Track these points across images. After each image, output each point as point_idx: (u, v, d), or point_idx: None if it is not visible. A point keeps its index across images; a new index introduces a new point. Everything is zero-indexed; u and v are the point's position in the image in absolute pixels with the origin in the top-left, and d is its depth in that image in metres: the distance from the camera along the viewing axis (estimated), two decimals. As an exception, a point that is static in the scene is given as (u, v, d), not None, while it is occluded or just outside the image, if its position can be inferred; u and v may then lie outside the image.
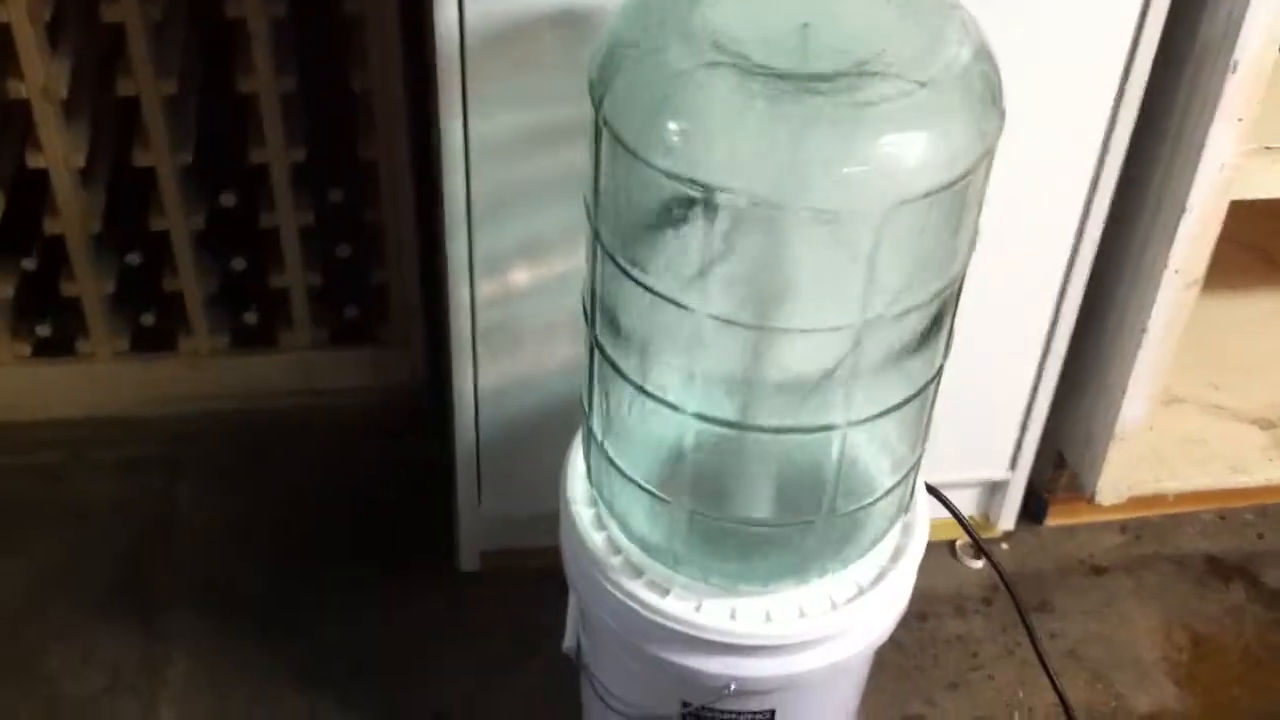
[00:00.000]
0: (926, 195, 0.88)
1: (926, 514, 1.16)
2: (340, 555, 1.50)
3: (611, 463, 1.06)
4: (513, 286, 1.24)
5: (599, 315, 1.01)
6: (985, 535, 1.57)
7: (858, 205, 0.87)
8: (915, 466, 1.09)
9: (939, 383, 1.04)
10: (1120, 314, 1.37)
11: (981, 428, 1.46)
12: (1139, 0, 1.16)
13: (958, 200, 0.92)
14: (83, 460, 1.58)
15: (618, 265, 0.95)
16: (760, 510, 1.06)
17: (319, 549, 1.51)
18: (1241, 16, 1.15)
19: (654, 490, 1.04)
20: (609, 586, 1.09)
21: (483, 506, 1.41)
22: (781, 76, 0.86)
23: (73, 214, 1.45)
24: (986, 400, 1.43)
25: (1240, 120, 1.21)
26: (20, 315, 1.53)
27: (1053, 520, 1.58)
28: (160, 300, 1.55)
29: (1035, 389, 1.42)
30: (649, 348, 0.98)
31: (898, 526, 1.13)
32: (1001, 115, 0.92)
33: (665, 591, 1.08)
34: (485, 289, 1.24)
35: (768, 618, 1.08)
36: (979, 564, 1.55)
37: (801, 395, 0.96)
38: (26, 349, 1.55)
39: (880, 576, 1.11)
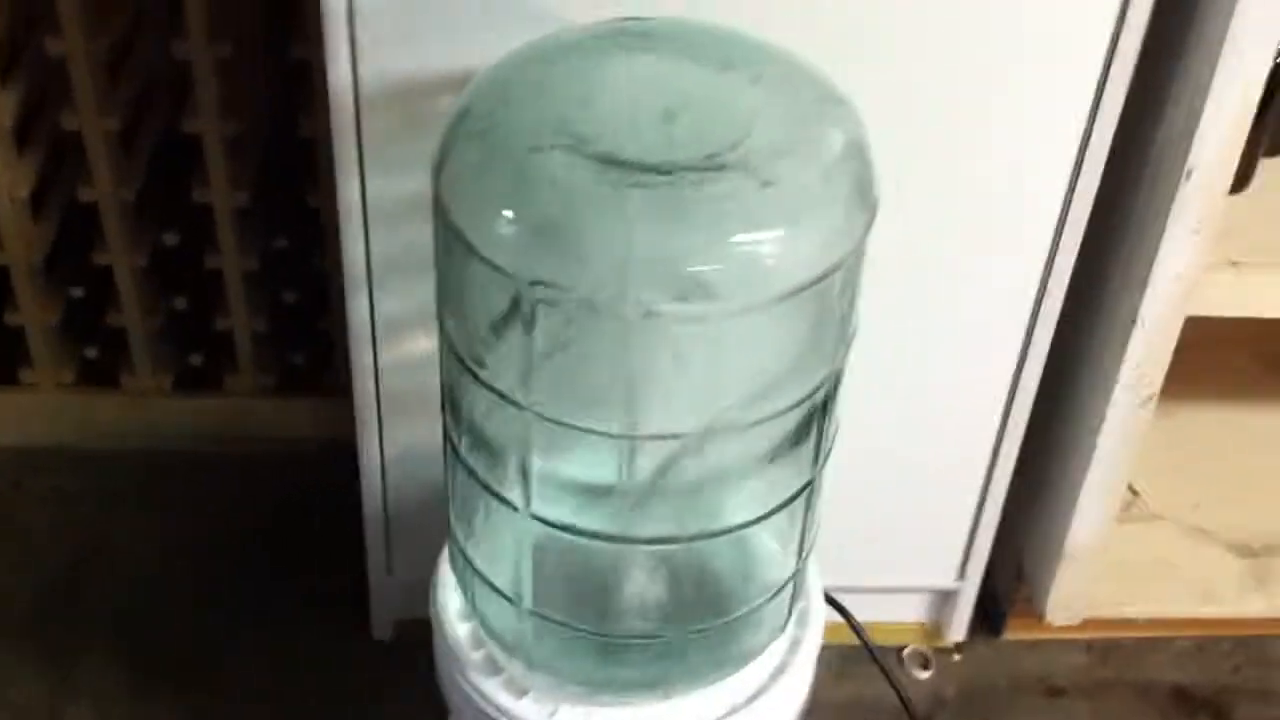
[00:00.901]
0: (777, 298, 0.82)
1: (819, 628, 1.09)
2: (261, 609, 1.46)
3: (462, 551, 1.01)
4: (417, 351, 1.19)
5: (445, 401, 0.96)
6: (936, 645, 1.48)
7: (691, 307, 0.81)
8: (792, 580, 1.02)
9: (813, 493, 0.97)
10: (1071, 427, 1.28)
11: (928, 534, 1.38)
12: (1090, 97, 1.09)
13: (815, 303, 0.85)
14: (19, 489, 1.56)
15: (456, 356, 0.91)
16: (609, 620, 1.00)
17: (241, 600, 1.47)
18: (1197, 118, 1.07)
19: (499, 588, 0.98)
20: (463, 683, 1.04)
21: (394, 574, 1.36)
22: (623, 165, 0.81)
23: (17, 244, 1.43)
24: (933, 506, 1.35)
25: (1197, 232, 1.13)
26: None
27: (1013, 634, 1.49)
28: (105, 335, 1.53)
29: (983, 497, 1.33)
30: (491, 443, 0.92)
31: (782, 642, 1.06)
32: (871, 213, 0.86)
33: (523, 693, 1.03)
34: (388, 353, 1.20)
35: (626, 730, 1.02)
36: (925, 674, 1.46)
37: (636, 502, 0.90)
38: (-31, 376, 1.54)
39: (757, 694, 1.04)
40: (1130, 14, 1.04)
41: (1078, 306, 1.22)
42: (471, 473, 0.95)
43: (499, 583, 0.98)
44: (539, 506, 0.91)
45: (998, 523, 1.35)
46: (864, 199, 0.85)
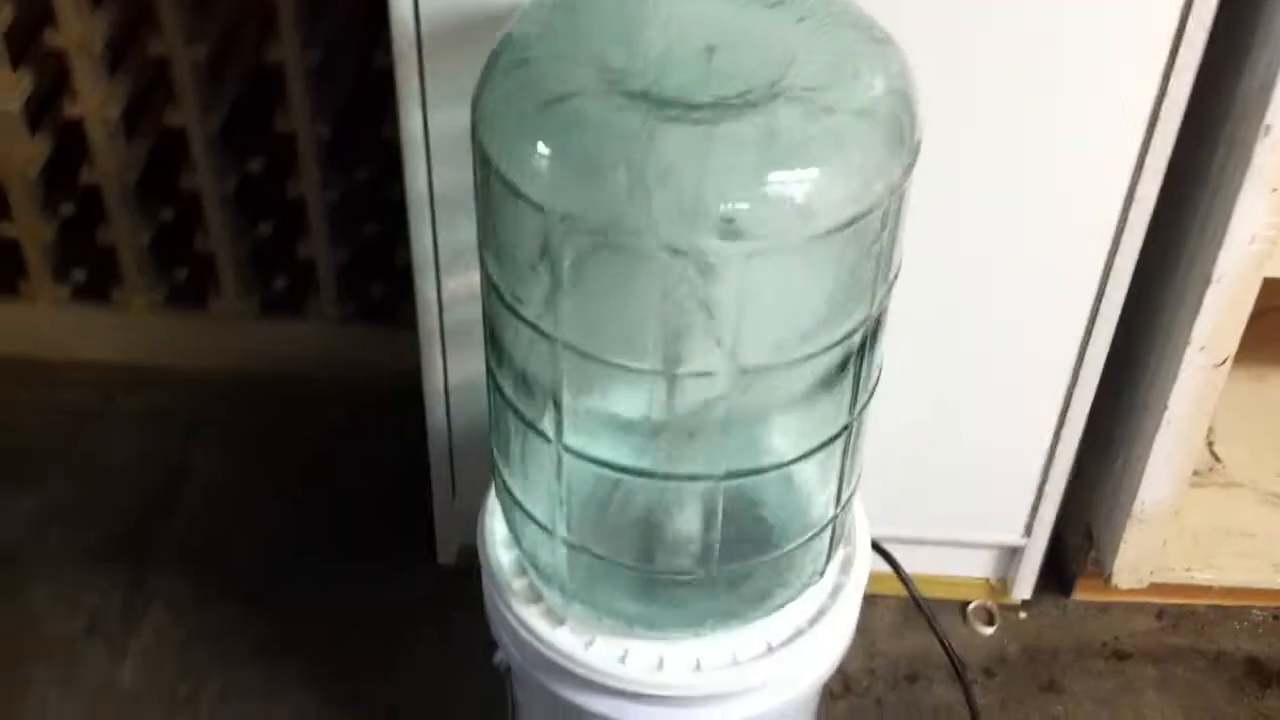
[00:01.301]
0: (807, 238, 0.81)
1: (863, 575, 1.08)
2: (331, 533, 1.50)
3: (503, 481, 1.02)
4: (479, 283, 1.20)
5: (486, 334, 0.96)
6: (1002, 602, 1.47)
7: (718, 244, 0.80)
8: (831, 525, 1.01)
9: (853, 436, 0.96)
10: (1143, 389, 1.25)
11: (995, 489, 1.36)
12: (1166, 51, 1.06)
13: (850, 244, 0.84)
14: (109, 405, 1.61)
15: (496, 291, 0.91)
16: (645, 555, 1.00)
17: (312, 523, 1.51)
18: (1275, 73, 1.04)
19: (536, 517, 0.99)
20: (504, 610, 1.05)
21: (458, 502, 1.38)
22: (656, 100, 0.80)
23: (109, 163, 1.47)
24: (1000, 461, 1.33)
25: (1276, 190, 1.09)
26: (60, 260, 1.57)
27: (1081, 595, 1.47)
28: (193, 259, 1.56)
29: (1051, 455, 1.31)
30: (526, 376, 0.93)
31: (825, 586, 1.06)
32: (911, 155, 0.84)
33: (560, 622, 1.04)
34: (451, 285, 1.21)
35: (660, 665, 1.02)
36: (989, 630, 1.45)
37: (669, 439, 0.90)
38: (65, 292, 1.58)
39: (794, 636, 1.04)
40: (1208, -35, 1.01)
41: (1153, 264, 1.18)
42: (509, 404, 0.96)
43: (536, 512, 0.99)
44: (571, 439, 0.91)
45: (1066, 481, 1.33)
46: (903, 140, 0.83)
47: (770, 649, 1.03)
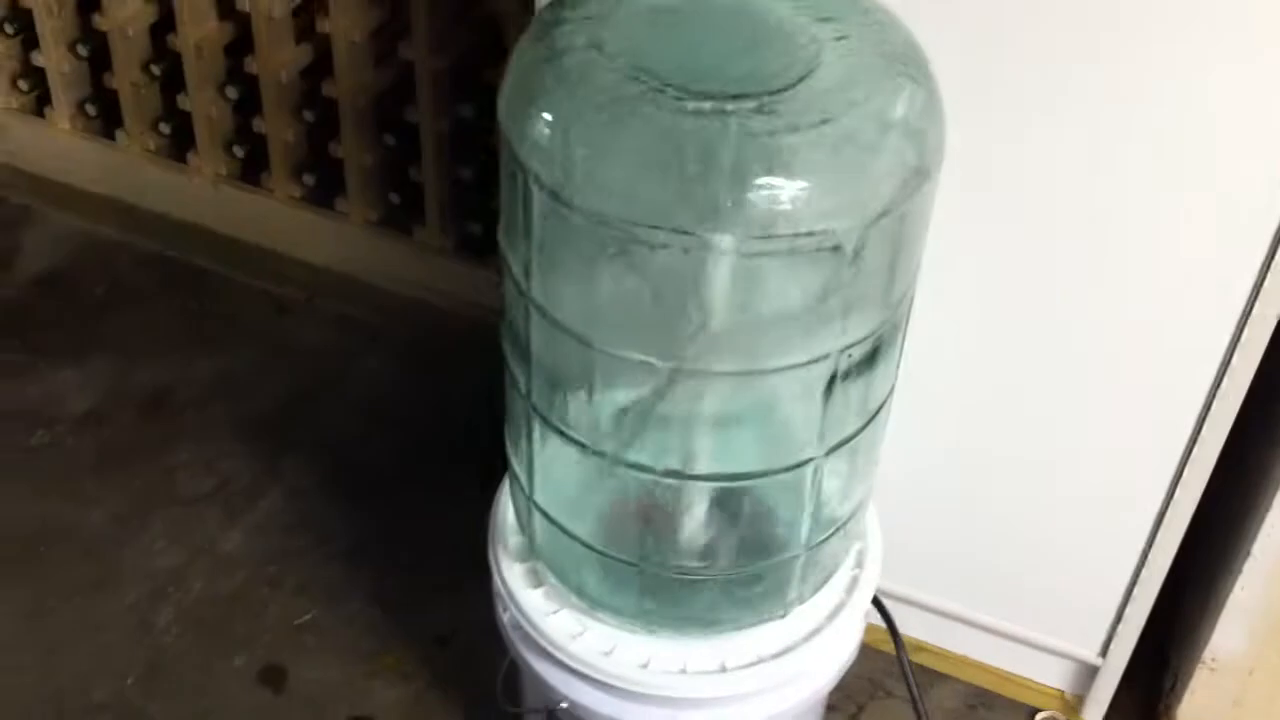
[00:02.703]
0: (789, 243, 0.82)
1: (872, 581, 1.08)
2: (455, 454, 1.56)
3: (514, 471, 1.06)
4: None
5: (507, 334, 1.00)
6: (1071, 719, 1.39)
7: (698, 238, 0.81)
8: (820, 545, 1.01)
9: (820, 470, 0.95)
10: (1234, 537, 1.17)
11: (1077, 598, 1.29)
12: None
13: (838, 257, 0.84)
14: (310, 305, 1.74)
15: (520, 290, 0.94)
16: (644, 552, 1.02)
17: (442, 443, 1.58)
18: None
19: (545, 510, 1.02)
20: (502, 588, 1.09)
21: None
22: (689, 95, 0.82)
23: (348, 82, 1.59)
24: (1086, 570, 1.27)
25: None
26: (297, 163, 1.70)
27: (1166, 732, 1.38)
28: (406, 187, 1.67)
29: (1135, 578, 1.23)
30: (546, 371, 0.96)
31: (835, 593, 1.06)
32: (919, 178, 0.84)
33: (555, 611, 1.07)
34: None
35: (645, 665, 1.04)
36: (1054, 742, 1.38)
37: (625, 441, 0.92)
38: (297, 192, 1.72)
39: (785, 651, 1.04)
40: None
41: (1261, 398, 1.11)
42: (522, 394, 0.99)
43: (543, 505, 1.03)
44: (583, 434, 0.94)
45: (1150, 609, 1.25)
46: (909, 161, 0.83)
47: (759, 659, 1.04)
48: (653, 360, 0.89)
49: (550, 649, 1.06)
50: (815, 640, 1.05)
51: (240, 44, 1.65)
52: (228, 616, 1.43)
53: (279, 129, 1.66)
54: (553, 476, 1.01)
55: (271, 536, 1.50)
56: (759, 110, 0.80)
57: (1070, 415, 1.18)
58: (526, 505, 1.04)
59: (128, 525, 1.50)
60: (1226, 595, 1.17)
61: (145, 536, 1.49)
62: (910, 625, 1.33)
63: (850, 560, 1.09)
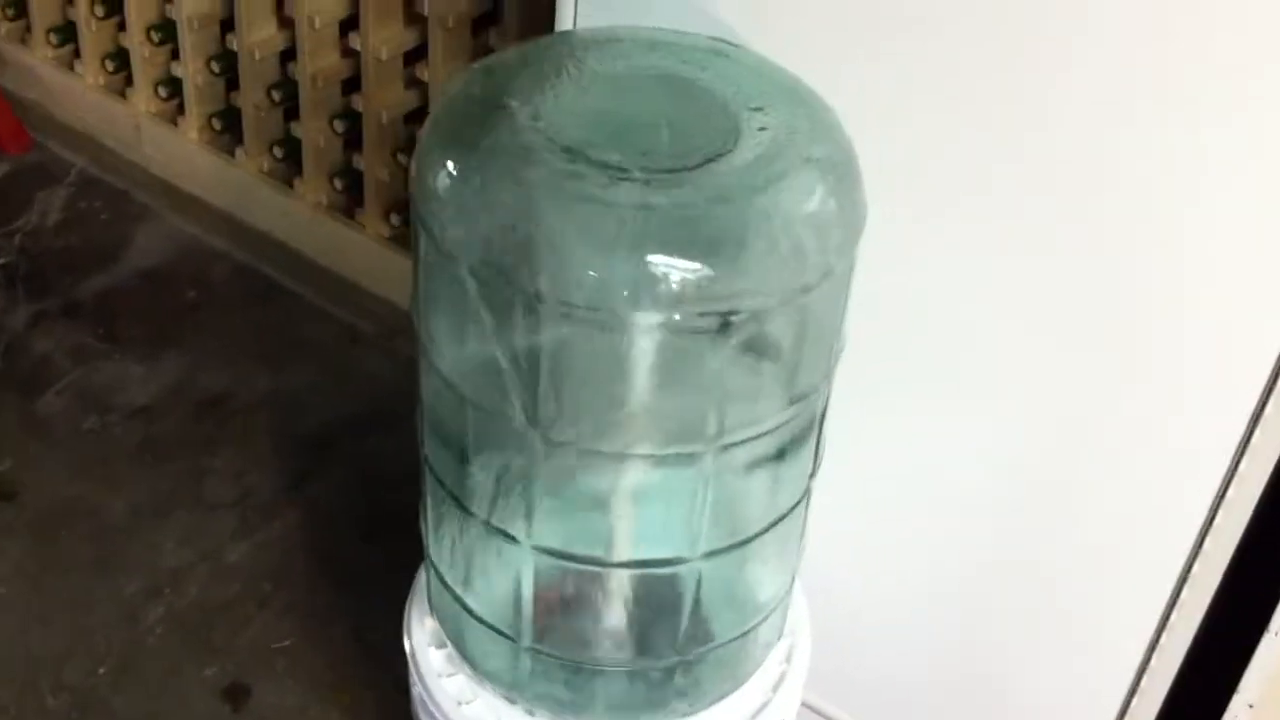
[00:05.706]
0: (682, 322, 0.79)
1: (798, 683, 1.03)
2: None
3: (426, 552, 1.05)
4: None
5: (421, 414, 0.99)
6: None
7: (598, 315, 0.79)
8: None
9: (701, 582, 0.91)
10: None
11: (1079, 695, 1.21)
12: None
13: (747, 337, 0.81)
14: (385, 339, 1.77)
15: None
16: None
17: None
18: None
19: (465, 602, 1.01)
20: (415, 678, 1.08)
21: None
22: (604, 167, 0.80)
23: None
24: (1087, 669, 1.19)
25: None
26: (389, 203, 1.74)
27: None
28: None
29: (1134, 688, 1.15)
30: (434, 423, 0.95)
31: (762, 680, 1.02)
32: (829, 263, 0.81)
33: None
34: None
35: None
36: None
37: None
38: (386, 231, 1.75)
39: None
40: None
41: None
42: (439, 481, 0.98)
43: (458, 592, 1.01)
44: (501, 521, 0.93)
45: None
46: (808, 255, 0.80)
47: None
48: (514, 420, 0.86)
49: (437, 713, 1.04)
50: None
51: (355, 81, 1.71)
52: (211, 626, 1.45)
53: (375, 167, 1.70)
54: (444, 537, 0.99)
55: (275, 556, 1.52)
56: (645, 184, 0.78)
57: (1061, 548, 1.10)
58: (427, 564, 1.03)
59: (144, 519, 1.54)
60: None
61: (157, 533, 1.53)
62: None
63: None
